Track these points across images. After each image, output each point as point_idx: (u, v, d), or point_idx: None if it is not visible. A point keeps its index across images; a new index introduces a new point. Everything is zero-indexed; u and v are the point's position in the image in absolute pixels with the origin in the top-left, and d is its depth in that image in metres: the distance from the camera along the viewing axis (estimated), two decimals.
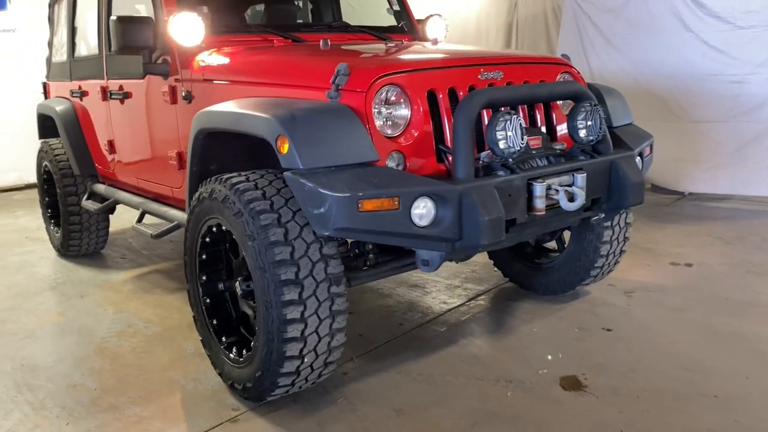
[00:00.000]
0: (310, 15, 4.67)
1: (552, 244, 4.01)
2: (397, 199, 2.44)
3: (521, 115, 2.97)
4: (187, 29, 3.36)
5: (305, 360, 2.64)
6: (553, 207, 2.81)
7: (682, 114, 6.27)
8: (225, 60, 3.35)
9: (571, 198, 2.80)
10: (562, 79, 3.28)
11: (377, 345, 3.43)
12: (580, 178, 2.84)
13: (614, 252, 3.75)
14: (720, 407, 2.73)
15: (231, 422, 2.77)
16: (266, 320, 2.57)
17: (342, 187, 2.39)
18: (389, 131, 2.69)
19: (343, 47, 3.48)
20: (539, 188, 2.71)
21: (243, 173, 2.75)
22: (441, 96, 2.77)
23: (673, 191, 6.52)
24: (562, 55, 3.46)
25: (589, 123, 2.94)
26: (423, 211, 2.49)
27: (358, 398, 2.92)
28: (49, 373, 3.27)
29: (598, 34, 6.78)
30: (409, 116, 2.73)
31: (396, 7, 4.43)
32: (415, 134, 2.70)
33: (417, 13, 4.49)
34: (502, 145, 2.64)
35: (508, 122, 2.63)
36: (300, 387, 2.79)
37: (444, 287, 4.24)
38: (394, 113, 2.72)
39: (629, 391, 2.88)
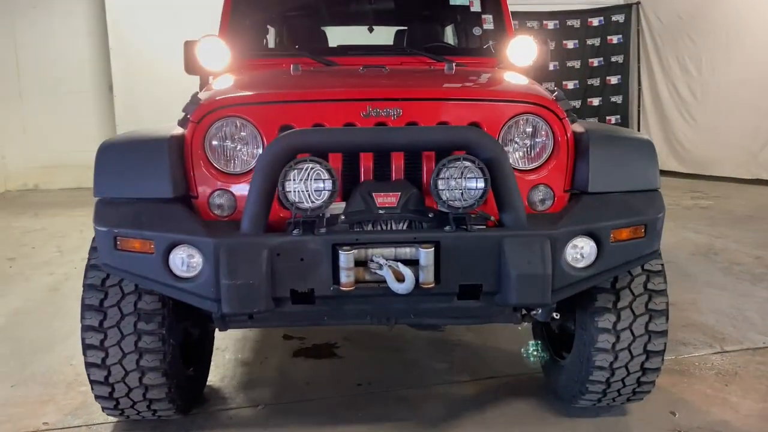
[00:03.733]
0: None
1: None
2: (151, 243, 2.23)
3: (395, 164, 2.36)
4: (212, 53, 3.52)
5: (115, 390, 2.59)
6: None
7: None
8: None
9: (401, 277, 2.15)
10: (522, 122, 2.49)
11: (304, 399, 3.11)
12: (425, 254, 2.15)
13: (626, 367, 2.67)
14: None
15: None
16: None
17: (108, 221, 2.30)
18: (229, 167, 2.46)
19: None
20: (344, 258, 2.15)
21: None
22: None
23: None
24: (552, 90, 2.61)
25: (452, 183, 2.19)
26: (182, 260, 2.23)
27: None
28: None
29: None
30: (256, 152, 2.44)
31: (487, 27, 3.83)
32: None
33: None
34: (291, 197, 2.17)
35: (297, 172, 2.15)
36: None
37: (465, 356, 3.56)
38: (237, 148, 2.46)
39: None
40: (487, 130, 2.46)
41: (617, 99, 10.26)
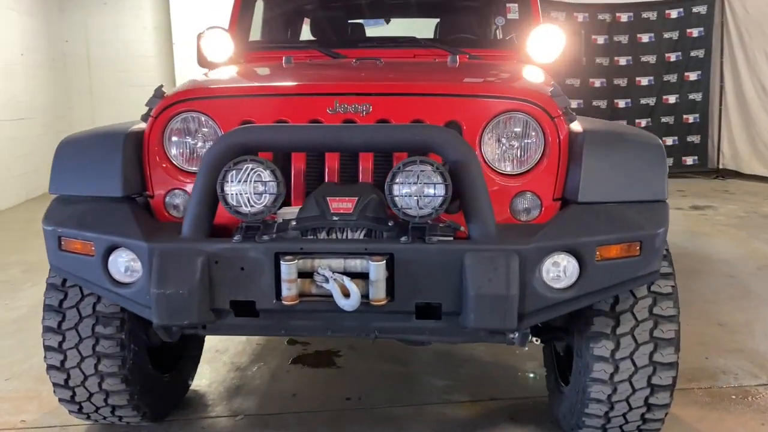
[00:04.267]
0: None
1: None
2: (91, 245, 2.11)
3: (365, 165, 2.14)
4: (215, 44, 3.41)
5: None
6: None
7: None
8: None
9: (347, 292, 1.93)
10: (508, 120, 2.22)
11: (286, 412, 2.94)
12: (375, 267, 1.92)
13: (627, 401, 2.34)
14: None
15: None
16: None
17: (54, 220, 2.20)
18: (187, 165, 2.31)
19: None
20: (286, 268, 1.95)
21: None
22: None
23: None
24: (550, 86, 2.32)
25: (406, 190, 1.94)
26: (123, 264, 2.09)
27: None
28: None
29: None
30: None
31: (511, 16, 3.53)
32: None
33: None
34: (230, 200, 1.99)
35: (236, 173, 1.96)
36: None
37: (472, 373, 3.29)
38: (198, 145, 2.31)
39: None
40: (467, 130, 2.21)
41: (696, 96, 9.51)
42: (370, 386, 3.15)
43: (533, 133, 2.22)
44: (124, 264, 2.09)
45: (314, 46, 3.39)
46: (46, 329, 2.43)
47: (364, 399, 3.03)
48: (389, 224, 2.04)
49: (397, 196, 1.95)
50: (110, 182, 2.22)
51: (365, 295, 1.95)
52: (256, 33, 3.78)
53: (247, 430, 2.81)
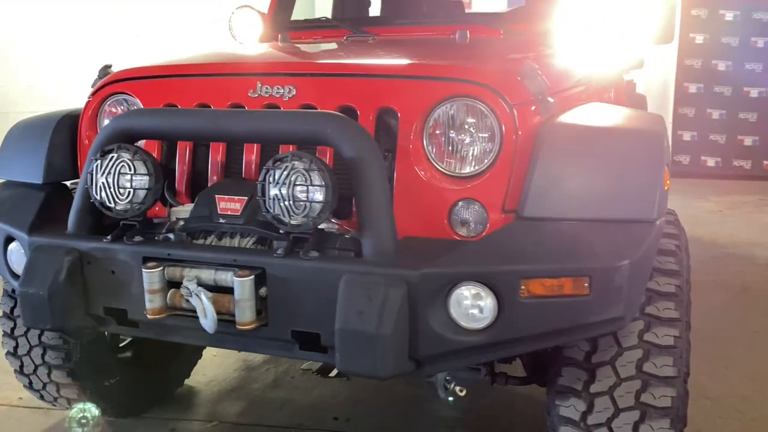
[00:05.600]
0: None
1: None
2: None
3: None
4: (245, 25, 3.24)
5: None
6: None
7: None
8: None
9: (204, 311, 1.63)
10: (452, 108, 1.75)
11: (263, 425, 2.69)
12: (239, 284, 1.60)
13: None
14: None
15: None
16: None
17: None
18: None
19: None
20: (147, 277, 1.68)
21: None
22: None
23: None
24: (519, 70, 1.81)
25: (273, 193, 1.57)
26: (19, 255, 1.96)
27: None
28: None
29: None
30: None
31: None
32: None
33: None
34: (94, 194, 1.75)
35: (101, 163, 1.72)
36: None
37: (483, 410, 2.78)
38: None
39: None
40: (404, 118, 1.78)
41: None
42: (364, 408, 2.79)
43: (485, 125, 1.73)
44: (20, 256, 1.95)
45: (345, 24, 3.05)
46: (3, 315, 2.40)
47: (352, 421, 2.69)
48: (280, 231, 1.68)
49: (266, 199, 1.59)
50: (33, 168, 2.10)
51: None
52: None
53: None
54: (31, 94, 7.56)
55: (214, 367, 3.16)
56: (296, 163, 1.56)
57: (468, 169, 1.75)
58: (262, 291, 1.64)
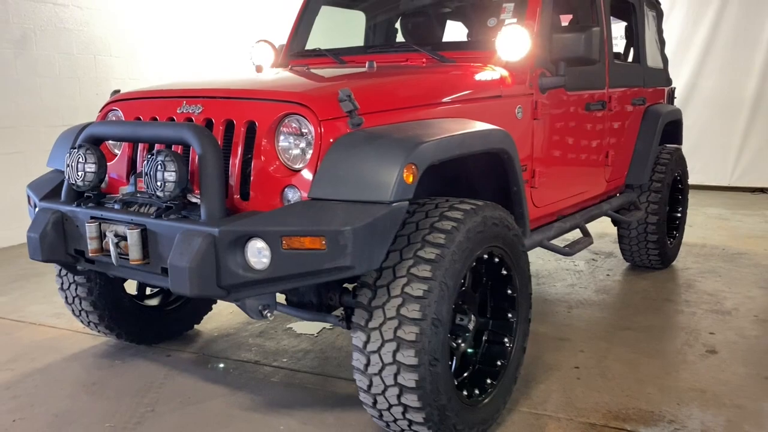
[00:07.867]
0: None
1: None
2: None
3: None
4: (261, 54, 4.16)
5: None
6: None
7: None
8: None
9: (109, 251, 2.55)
10: (286, 120, 2.52)
11: (230, 358, 3.55)
12: (130, 234, 2.49)
13: (384, 397, 2.42)
14: None
15: None
16: None
17: (34, 183, 3.21)
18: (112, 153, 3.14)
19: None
20: (87, 228, 2.63)
21: None
22: None
23: None
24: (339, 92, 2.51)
25: (152, 174, 2.42)
26: None
27: None
28: None
29: None
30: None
31: (504, 17, 3.49)
32: (117, 161, 2.95)
33: None
34: (65, 175, 2.72)
35: (68, 156, 2.69)
36: None
37: None
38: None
39: None
40: (260, 128, 2.53)
41: None
42: (313, 355, 3.55)
43: (306, 133, 2.45)
44: None
45: (329, 54, 3.85)
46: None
47: (302, 362, 3.46)
48: (164, 204, 2.53)
49: (146, 179, 2.46)
50: (59, 159, 3.14)
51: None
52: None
53: (198, 365, 3.50)
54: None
55: (222, 319, 4.08)
56: (158, 156, 2.41)
57: (298, 165, 2.48)
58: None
